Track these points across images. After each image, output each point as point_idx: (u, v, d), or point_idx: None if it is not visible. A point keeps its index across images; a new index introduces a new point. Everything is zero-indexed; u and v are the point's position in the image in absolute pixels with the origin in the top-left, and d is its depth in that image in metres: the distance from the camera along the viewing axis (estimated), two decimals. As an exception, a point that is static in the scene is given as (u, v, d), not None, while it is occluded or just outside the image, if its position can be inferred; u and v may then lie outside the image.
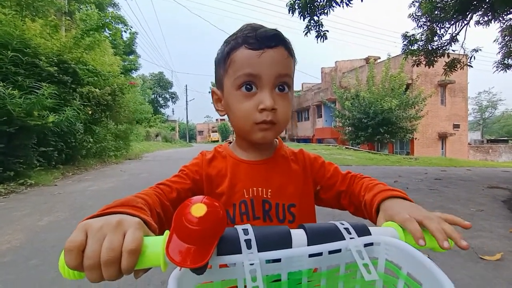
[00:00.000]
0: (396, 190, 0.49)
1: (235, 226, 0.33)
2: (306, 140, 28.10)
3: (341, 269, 0.34)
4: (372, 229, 0.37)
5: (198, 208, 0.27)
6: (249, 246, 0.31)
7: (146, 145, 17.05)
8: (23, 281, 1.66)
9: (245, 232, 0.32)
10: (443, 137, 20.62)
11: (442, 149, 21.27)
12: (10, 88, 4.25)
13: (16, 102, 4.20)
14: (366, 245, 0.34)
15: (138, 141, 16.08)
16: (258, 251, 0.31)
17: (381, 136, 15.79)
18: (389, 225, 0.39)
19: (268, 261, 0.31)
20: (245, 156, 0.61)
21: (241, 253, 0.30)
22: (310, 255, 0.32)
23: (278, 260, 0.31)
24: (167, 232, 0.30)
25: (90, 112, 6.25)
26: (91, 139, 6.49)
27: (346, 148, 14.62)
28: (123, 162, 8.23)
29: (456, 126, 21.71)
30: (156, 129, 25.04)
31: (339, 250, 0.33)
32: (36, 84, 4.73)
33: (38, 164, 4.70)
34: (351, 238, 0.34)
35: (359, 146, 18.78)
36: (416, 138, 17.69)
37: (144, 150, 13.18)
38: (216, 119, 61.59)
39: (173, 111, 48.00)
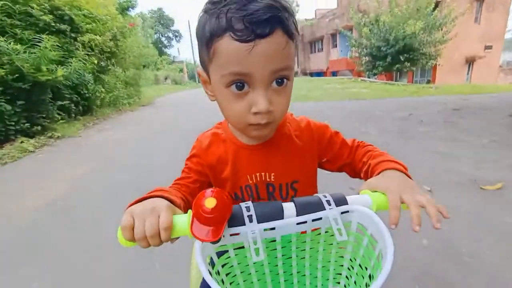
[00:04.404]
0: (400, 164, 0.51)
1: (240, 204, 0.43)
2: (319, 74, 26.74)
3: (322, 231, 0.44)
4: (349, 198, 0.45)
5: (209, 201, 0.36)
6: (251, 220, 0.40)
7: (156, 89, 17.03)
8: (75, 226, 2.00)
9: (247, 209, 0.42)
10: (470, 61, 18.92)
11: (468, 74, 19.78)
12: (12, 43, 4.21)
13: (23, 58, 4.20)
14: (343, 212, 0.43)
15: (148, 86, 16.05)
16: (258, 223, 0.41)
17: (400, 65, 14.72)
18: (365, 193, 0.47)
19: (265, 229, 0.41)
20: (245, 140, 0.59)
21: (245, 225, 0.40)
22: (298, 223, 0.42)
23: (273, 228, 0.41)
24: (190, 212, 0.40)
25: (96, 62, 6.15)
26: (102, 89, 6.58)
27: (362, 80, 13.92)
28: (137, 109, 8.45)
29: (488, 47, 19.59)
30: (164, 72, 24.50)
31: (320, 218, 0.42)
32: (36, 37, 4.61)
33: (59, 118, 4.97)
34: (330, 208, 0.43)
35: (376, 77, 17.78)
36: (439, 64, 16.35)
37: (155, 95, 13.25)
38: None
39: (178, 51, 45.91)
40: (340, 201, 0.44)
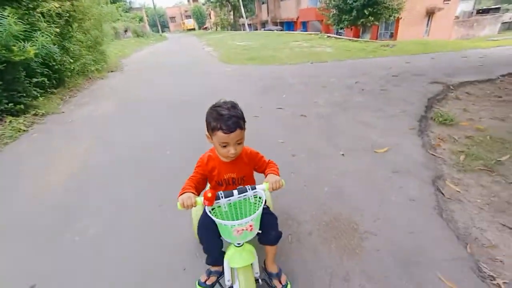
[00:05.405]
0: (276, 172, 1.41)
1: (218, 191, 1.29)
2: (290, 24, 26.08)
3: (247, 198, 1.34)
4: (258, 186, 1.34)
5: (209, 195, 1.21)
6: (222, 197, 1.28)
7: (118, 46, 15.96)
8: (103, 192, 2.75)
9: (221, 194, 1.28)
10: (430, 14, 19.73)
11: (427, 26, 20.77)
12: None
13: (-11, 38, 4.23)
14: (254, 192, 1.32)
15: (109, 43, 14.95)
16: (224, 198, 1.28)
17: (365, 19, 15.16)
18: (265, 182, 1.36)
19: (228, 200, 1.29)
20: (223, 159, 1.37)
21: (220, 199, 1.28)
22: (238, 197, 1.30)
23: (230, 199, 1.29)
24: (200, 197, 1.25)
25: (58, 30, 6.00)
26: (70, 59, 6.54)
27: (328, 36, 14.31)
28: (107, 76, 8.42)
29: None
30: (123, 23, 22.28)
31: (246, 195, 1.31)
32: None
33: (38, 95, 5.17)
34: (249, 190, 1.31)
35: (343, 30, 18.10)
36: (401, 18, 17.03)
37: (120, 55, 12.66)
38: (188, 0, 52.69)
39: (134, -6, 40.33)
40: (253, 188, 1.33)
